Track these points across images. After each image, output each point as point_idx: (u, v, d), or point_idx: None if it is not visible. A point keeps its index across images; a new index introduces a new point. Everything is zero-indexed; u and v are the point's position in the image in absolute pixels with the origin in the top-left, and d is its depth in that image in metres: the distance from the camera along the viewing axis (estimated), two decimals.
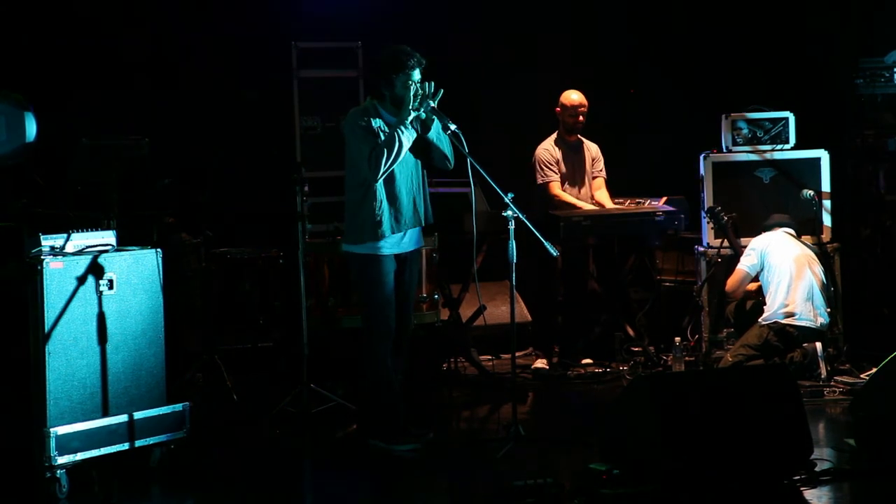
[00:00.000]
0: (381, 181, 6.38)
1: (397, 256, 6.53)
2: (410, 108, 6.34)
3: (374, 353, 6.48)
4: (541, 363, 8.54)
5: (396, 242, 6.51)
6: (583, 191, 8.62)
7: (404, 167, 6.49)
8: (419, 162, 6.59)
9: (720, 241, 8.33)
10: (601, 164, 8.71)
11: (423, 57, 6.47)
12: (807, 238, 8.25)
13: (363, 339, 6.54)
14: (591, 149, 8.71)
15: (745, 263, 7.97)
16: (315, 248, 7.62)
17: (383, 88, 6.47)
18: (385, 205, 6.43)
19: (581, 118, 8.54)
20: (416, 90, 6.33)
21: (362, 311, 6.58)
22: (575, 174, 8.61)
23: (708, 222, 8.34)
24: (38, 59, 8.44)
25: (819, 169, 8.53)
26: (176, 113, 8.72)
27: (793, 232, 8.12)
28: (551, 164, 8.53)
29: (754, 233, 8.19)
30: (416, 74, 6.44)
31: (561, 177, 8.56)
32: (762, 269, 7.93)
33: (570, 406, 7.77)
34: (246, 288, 7.75)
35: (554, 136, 8.63)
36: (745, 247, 8.08)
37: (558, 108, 8.59)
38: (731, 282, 8.02)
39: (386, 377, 6.50)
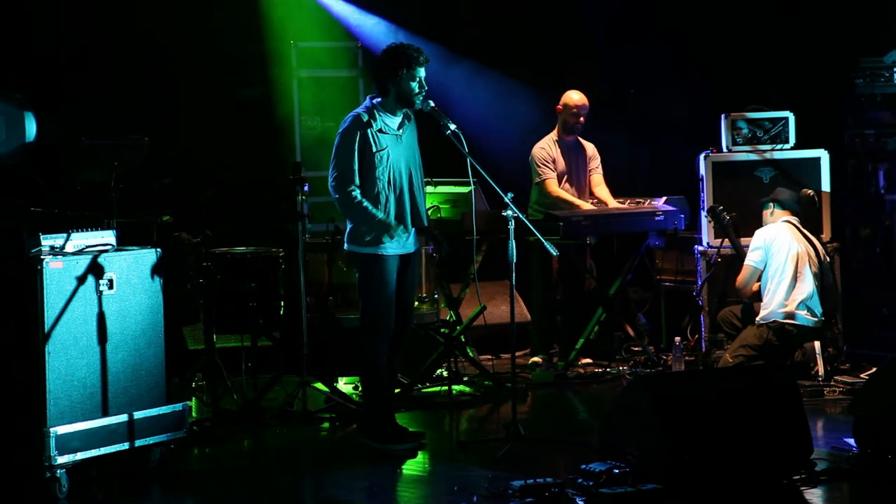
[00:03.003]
0: (384, 184, 6.40)
1: (401, 257, 6.54)
2: None
3: (372, 353, 6.48)
4: (537, 358, 8.56)
5: (402, 244, 6.52)
6: (577, 190, 8.62)
7: (406, 170, 6.51)
8: (419, 164, 6.60)
9: (720, 240, 8.34)
10: (597, 162, 8.72)
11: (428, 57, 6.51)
12: None
13: (362, 338, 6.54)
14: (588, 148, 8.73)
15: (752, 259, 7.96)
16: (315, 248, 7.62)
17: (389, 84, 6.47)
18: (392, 208, 6.44)
19: (582, 119, 8.56)
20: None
21: (363, 311, 6.59)
22: (574, 173, 8.62)
23: (709, 221, 8.34)
24: (38, 59, 8.43)
25: (819, 169, 8.53)
26: (176, 113, 8.72)
27: (796, 221, 8.05)
28: (548, 163, 8.54)
29: (754, 232, 8.19)
30: (422, 72, 6.46)
31: (558, 175, 8.58)
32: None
33: (570, 406, 7.77)
34: (246, 288, 7.74)
35: (552, 134, 8.65)
36: (746, 246, 8.08)
37: (560, 107, 8.60)
38: (741, 279, 8.00)
39: (383, 377, 6.50)
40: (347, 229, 6.57)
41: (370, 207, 6.37)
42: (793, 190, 8.19)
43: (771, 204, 8.09)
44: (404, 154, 6.53)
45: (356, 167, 6.38)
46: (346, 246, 6.56)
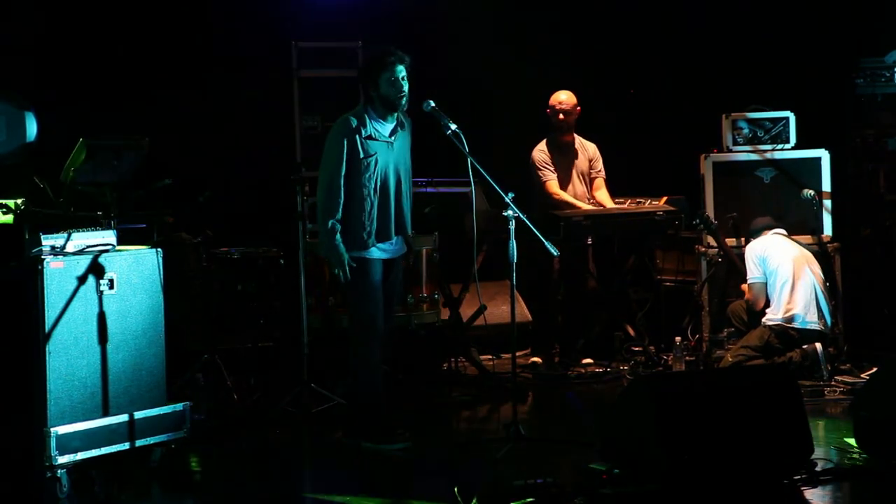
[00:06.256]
0: (370, 190, 6.41)
1: (385, 261, 6.54)
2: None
3: (361, 354, 6.49)
4: (536, 358, 8.56)
5: (385, 249, 6.52)
6: (576, 191, 8.60)
7: (394, 177, 6.51)
8: (409, 172, 6.60)
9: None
10: (600, 165, 8.71)
11: (407, 55, 6.50)
12: (806, 238, 8.26)
13: (350, 341, 6.55)
14: (589, 149, 8.71)
15: (753, 276, 7.98)
16: (315, 248, 7.62)
17: (371, 91, 6.48)
18: (375, 213, 6.46)
19: (562, 116, 8.52)
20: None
21: (351, 313, 6.60)
22: (565, 175, 8.59)
23: (700, 228, 8.34)
24: (38, 59, 8.43)
25: (819, 169, 8.53)
26: (176, 113, 8.72)
27: (784, 232, 8.12)
28: (547, 164, 8.54)
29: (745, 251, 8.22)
30: (401, 70, 6.45)
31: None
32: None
33: (570, 406, 7.77)
34: (246, 288, 7.74)
35: (549, 136, 8.63)
36: (735, 248, 8.13)
37: (548, 109, 8.59)
38: (750, 297, 8.02)
39: (373, 378, 6.51)
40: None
41: (340, 246, 6.37)
42: (768, 216, 8.23)
43: (754, 234, 8.15)
44: (394, 161, 6.53)
45: (342, 180, 6.39)
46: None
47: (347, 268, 6.40)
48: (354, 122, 6.44)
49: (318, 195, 6.49)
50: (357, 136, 6.42)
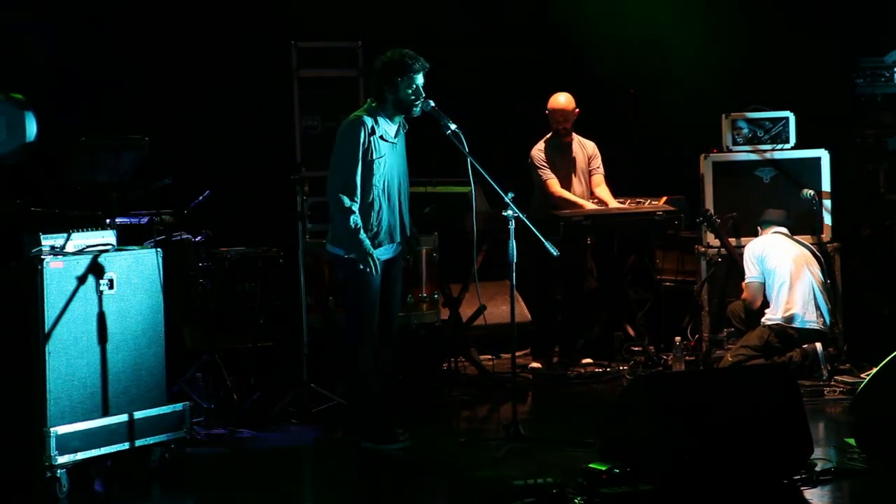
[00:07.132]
0: (379, 191, 6.40)
1: (385, 262, 6.53)
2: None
3: (357, 355, 6.48)
4: (536, 363, 8.56)
5: (386, 250, 6.52)
6: (576, 190, 8.60)
7: (397, 179, 6.51)
8: (406, 172, 6.60)
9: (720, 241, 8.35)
10: (598, 162, 8.69)
11: (427, 61, 6.48)
12: (806, 238, 8.26)
13: (347, 342, 6.54)
14: (587, 147, 8.69)
15: (751, 275, 7.99)
16: (315, 248, 7.62)
17: (386, 92, 6.45)
18: (384, 214, 6.45)
19: (559, 124, 8.50)
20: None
21: (347, 314, 6.60)
22: (564, 174, 8.58)
23: (704, 226, 8.35)
24: (38, 59, 8.43)
25: (819, 168, 8.54)
26: (176, 113, 8.72)
27: (786, 231, 8.13)
28: (546, 164, 8.53)
29: (755, 233, 8.21)
30: (420, 78, 6.43)
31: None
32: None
33: (570, 406, 7.77)
34: (246, 288, 7.74)
35: (548, 136, 8.62)
36: (736, 247, 8.13)
37: (547, 111, 8.57)
38: (747, 296, 8.04)
39: (369, 378, 6.51)
40: (331, 231, 6.54)
41: (365, 241, 6.34)
42: (783, 210, 8.23)
43: (763, 225, 8.15)
44: (397, 162, 6.53)
45: (358, 178, 6.36)
46: (329, 247, 6.53)
47: (377, 261, 6.38)
48: (370, 123, 6.40)
49: (331, 195, 6.40)
50: (372, 137, 6.40)
